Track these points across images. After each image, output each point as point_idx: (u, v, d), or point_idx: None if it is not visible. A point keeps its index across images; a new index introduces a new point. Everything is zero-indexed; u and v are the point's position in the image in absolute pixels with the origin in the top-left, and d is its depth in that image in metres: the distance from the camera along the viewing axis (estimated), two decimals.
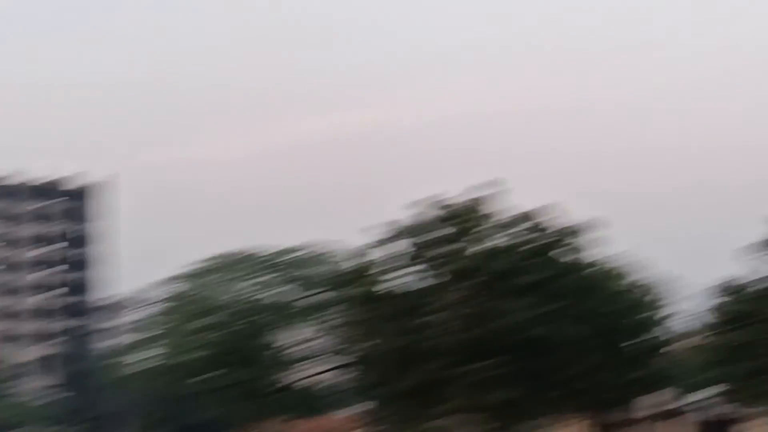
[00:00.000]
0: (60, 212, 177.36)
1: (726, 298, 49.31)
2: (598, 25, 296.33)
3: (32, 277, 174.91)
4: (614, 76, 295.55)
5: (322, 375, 57.31)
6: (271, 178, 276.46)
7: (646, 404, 57.94)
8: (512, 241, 48.82)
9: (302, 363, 57.06)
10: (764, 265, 49.68)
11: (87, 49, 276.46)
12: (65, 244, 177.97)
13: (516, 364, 46.91)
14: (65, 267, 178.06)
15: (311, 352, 56.58)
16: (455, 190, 49.65)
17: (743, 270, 50.28)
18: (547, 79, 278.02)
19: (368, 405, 57.14)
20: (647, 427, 62.17)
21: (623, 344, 50.21)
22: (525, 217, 49.07)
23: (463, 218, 48.71)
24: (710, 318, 51.81)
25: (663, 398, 60.77)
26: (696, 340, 56.29)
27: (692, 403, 61.28)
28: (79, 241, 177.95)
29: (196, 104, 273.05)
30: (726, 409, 57.21)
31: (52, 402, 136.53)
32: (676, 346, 57.16)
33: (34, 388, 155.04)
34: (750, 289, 48.87)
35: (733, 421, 57.96)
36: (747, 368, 48.25)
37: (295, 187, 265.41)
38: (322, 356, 56.01)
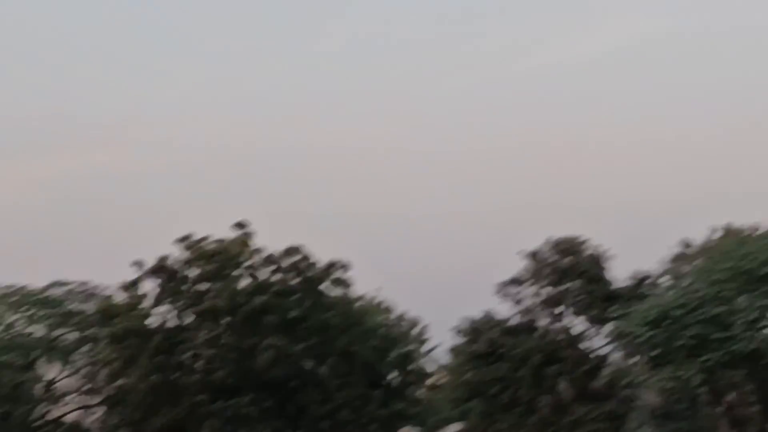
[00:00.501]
0: None
1: (471, 336, 50.26)
2: None
3: None
4: None
5: (88, 410, 54.72)
6: (15, 215, 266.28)
7: None
8: (266, 280, 49.03)
9: (68, 398, 54.44)
10: (511, 302, 51.61)
11: None
12: None
13: (270, 402, 47.07)
14: None
15: (76, 387, 54.03)
16: (214, 231, 49.68)
17: (494, 307, 52.03)
18: None
19: None
20: None
21: (376, 380, 50.19)
22: (280, 256, 49.49)
23: (220, 258, 48.66)
24: (457, 355, 52.22)
25: None
26: (445, 377, 56.78)
27: None
28: None
29: None
30: None
31: None
32: (427, 382, 57.00)
33: None
34: (495, 327, 49.70)
35: None
36: (484, 406, 49.65)
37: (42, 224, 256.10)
38: (85, 392, 54.00)
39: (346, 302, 50.35)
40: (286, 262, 49.61)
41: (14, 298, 52.79)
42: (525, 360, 47.11)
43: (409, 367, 52.95)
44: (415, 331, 57.21)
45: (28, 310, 53.20)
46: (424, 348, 58.20)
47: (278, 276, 49.58)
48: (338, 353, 48.59)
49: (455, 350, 51.35)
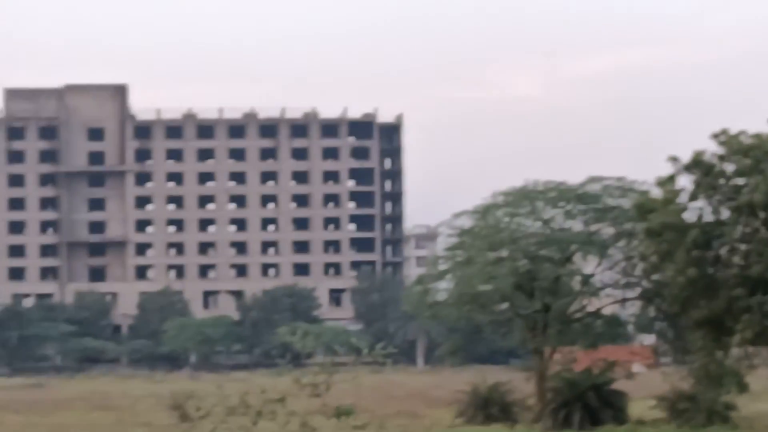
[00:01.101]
0: (350, 149, 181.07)
1: None
2: None
3: (322, 211, 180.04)
4: None
5: (618, 305, 57.29)
6: (561, 113, 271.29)
7: None
8: None
9: (605, 291, 56.11)
10: None
11: None
12: (353, 181, 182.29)
13: None
14: (354, 203, 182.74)
15: (613, 281, 55.23)
16: (747, 126, 48.09)
17: None
18: None
19: (660, 335, 56.79)
20: None
21: None
22: None
23: (757, 152, 47.09)
24: None
25: None
26: None
27: None
28: (368, 177, 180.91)
29: (484, 41, 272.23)
30: None
31: (351, 331, 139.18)
32: None
33: (332, 317, 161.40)
34: None
35: None
36: None
37: (585, 122, 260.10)
38: (620, 286, 55.13)
39: None
40: None
41: (552, 194, 53.67)
42: None
43: None
44: None
45: (566, 205, 54.09)
46: None
47: None
48: None
49: None
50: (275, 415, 14.04)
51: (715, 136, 47.63)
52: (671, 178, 47.75)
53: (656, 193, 49.13)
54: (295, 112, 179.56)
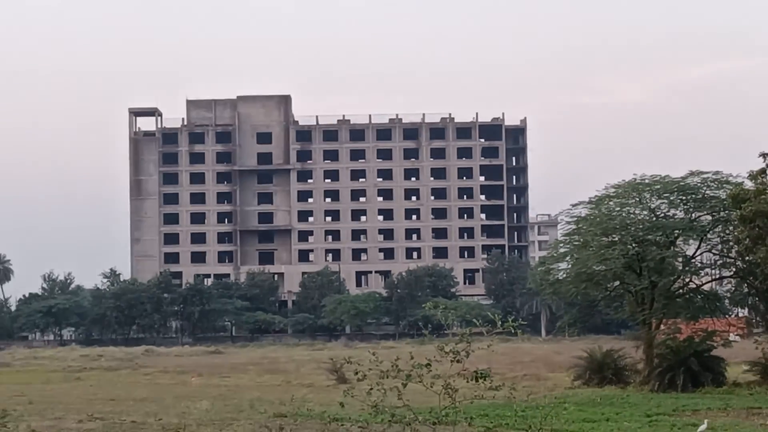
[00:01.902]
0: (481, 149, 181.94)
1: None
2: None
3: (457, 203, 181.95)
4: None
5: (716, 283, 56.62)
6: (663, 116, 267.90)
7: None
8: None
9: (704, 270, 55.70)
10: None
11: None
12: (484, 177, 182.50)
13: None
14: (484, 196, 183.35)
15: (711, 261, 55.18)
16: None
17: None
18: None
19: (753, 309, 57.22)
20: None
21: None
22: None
23: None
24: None
25: None
26: None
27: None
28: (497, 173, 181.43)
29: (596, 53, 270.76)
30: None
31: (484, 306, 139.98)
32: None
33: (466, 294, 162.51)
34: None
35: None
36: None
37: (684, 123, 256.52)
38: (717, 266, 55.09)
39: None
40: None
41: (657, 186, 53.26)
42: None
43: None
44: None
45: (669, 196, 53.62)
46: None
47: None
48: None
49: None
50: (422, 378, 13.92)
51: None
52: (762, 171, 47.18)
53: (749, 185, 48.42)
54: (433, 118, 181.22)
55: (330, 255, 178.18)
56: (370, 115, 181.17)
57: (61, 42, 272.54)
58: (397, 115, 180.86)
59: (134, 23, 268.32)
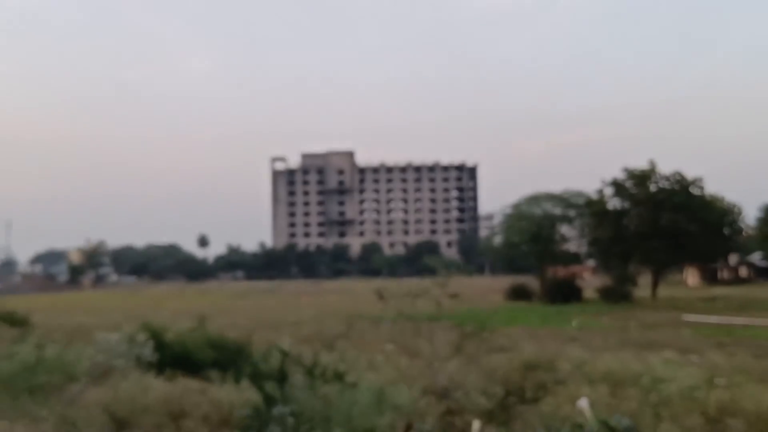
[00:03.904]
0: (455, 177, 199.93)
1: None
2: None
3: (443, 206, 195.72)
4: None
5: (577, 246, 58.59)
6: (554, 162, 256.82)
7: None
8: (663, 189, 51.20)
9: (570, 241, 58.13)
10: None
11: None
12: (456, 192, 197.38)
13: (666, 243, 50.14)
14: (456, 202, 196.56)
15: (575, 235, 57.42)
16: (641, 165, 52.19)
17: None
18: None
19: (595, 261, 59.94)
20: None
21: (718, 231, 51.37)
22: (670, 177, 51.40)
23: (642, 178, 51.83)
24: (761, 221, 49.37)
25: None
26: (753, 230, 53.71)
27: None
28: (463, 191, 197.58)
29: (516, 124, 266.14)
30: None
31: (457, 260, 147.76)
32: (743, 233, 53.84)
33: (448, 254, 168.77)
34: None
35: None
36: None
37: (563, 166, 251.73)
38: (578, 239, 57.50)
39: (702, 198, 51.30)
40: (675, 178, 51.17)
41: (547, 197, 56.41)
42: None
43: (734, 226, 52.91)
44: (733, 208, 53.17)
45: (553, 202, 56.20)
46: (740, 217, 54.01)
47: (667, 187, 51.18)
48: (699, 220, 49.92)
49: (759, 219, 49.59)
50: (424, 296, 12.98)
51: (625, 171, 51.32)
52: (600, 190, 52.92)
53: (594, 197, 53.57)
54: (427, 159, 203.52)
55: (374, 233, 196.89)
56: (396, 162, 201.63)
57: (221, 114, 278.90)
58: (411, 161, 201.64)
59: (270, 100, 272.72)
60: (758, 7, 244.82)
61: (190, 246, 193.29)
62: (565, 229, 56.86)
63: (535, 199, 58.04)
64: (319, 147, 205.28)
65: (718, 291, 57.12)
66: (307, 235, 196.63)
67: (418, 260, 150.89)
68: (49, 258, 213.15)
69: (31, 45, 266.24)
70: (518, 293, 53.21)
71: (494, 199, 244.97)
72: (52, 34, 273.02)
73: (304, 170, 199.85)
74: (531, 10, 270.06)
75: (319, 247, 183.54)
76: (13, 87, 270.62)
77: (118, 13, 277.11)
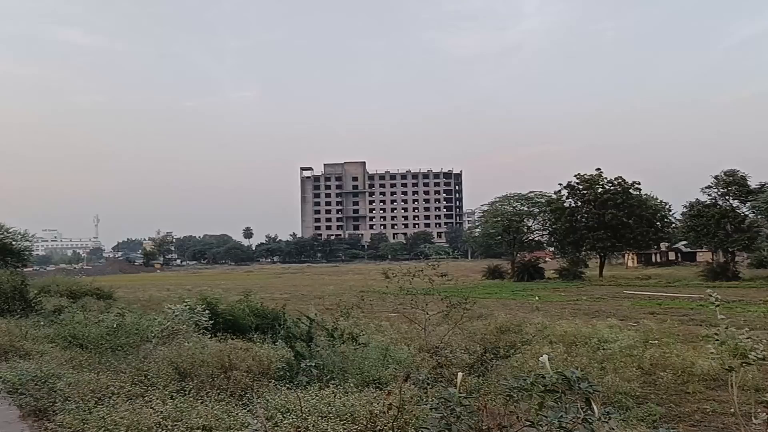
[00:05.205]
0: (444, 182, 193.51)
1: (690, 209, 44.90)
2: None
3: (434, 204, 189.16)
4: None
5: (540, 236, 56.10)
6: (522, 171, 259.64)
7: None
8: (608, 190, 49.30)
9: (535, 232, 55.99)
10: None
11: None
12: (444, 194, 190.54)
13: (610, 233, 48.42)
14: (445, 202, 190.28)
15: (539, 227, 55.10)
16: (591, 171, 49.57)
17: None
18: None
19: (554, 248, 57.23)
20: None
21: (651, 224, 49.02)
22: (613, 181, 49.35)
23: (590, 182, 49.89)
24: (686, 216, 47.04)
25: None
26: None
27: None
28: (451, 192, 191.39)
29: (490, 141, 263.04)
30: None
31: (445, 247, 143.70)
32: (671, 225, 51.64)
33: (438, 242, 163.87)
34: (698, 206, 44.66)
35: None
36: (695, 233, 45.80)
37: (531, 175, 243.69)
38: (541, 230, 55.19)
39: (638, 197, 49.32)
40: (617, 181, 49.37)
41: (515, 197, 54.95)
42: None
43: (664, 220, 50.88)
44: (664, 205, 51.70)
45: (520, 201, 54.50)
46: (669, 212, 52.27)
47: (612, 189, 49.17)
48: (636, 215, 48.43)
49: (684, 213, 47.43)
50: (420, 275, 12.38)
51: (577, 176, 49.15)
52: (559, 191, 50.90)
53: (554, 196, 51.40)
54: (424, 168, 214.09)
55: (381, 226, 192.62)
56: (398, 170, 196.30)
57: (262, 134, 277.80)
58: (410, 169, 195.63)
59: (300, 122, 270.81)
60: (680, 49, 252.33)
61: (238, 236, 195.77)
62: (530, 223, 55.55)
63: (506, 199, 57.14)
64: (338, 159, 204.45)
65: (652, 271, 55.76)
66: (328, 227, 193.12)
67: (416, 247, 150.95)
68: (128, 246, 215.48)
69: (117, 82, 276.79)
70: (493, 273, 51.77)
71: (474, 199, 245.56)
72: (133, 78, 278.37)
73: (326, 177, 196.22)
74: (501, 51, 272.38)
75: (338, 237, 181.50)
76: (107, 115, 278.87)
77: (179, 56, 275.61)
